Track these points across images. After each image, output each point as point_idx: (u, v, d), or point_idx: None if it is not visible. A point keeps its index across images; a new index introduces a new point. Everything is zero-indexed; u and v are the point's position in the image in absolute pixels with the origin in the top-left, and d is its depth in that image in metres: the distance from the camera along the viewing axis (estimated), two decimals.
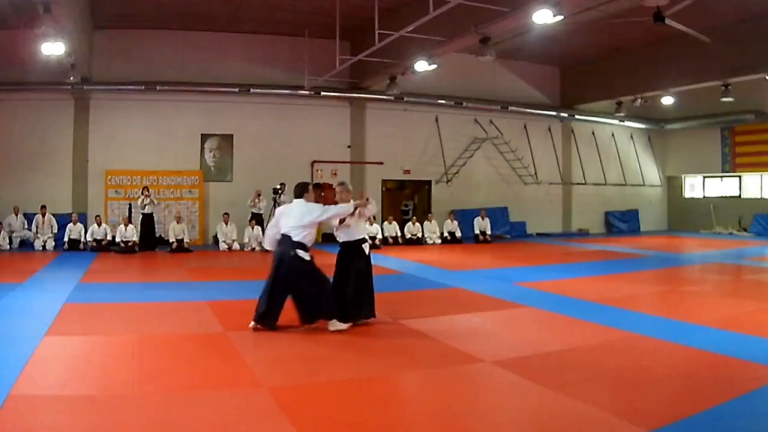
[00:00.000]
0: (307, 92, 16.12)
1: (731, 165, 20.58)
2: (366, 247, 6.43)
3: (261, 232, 14.86)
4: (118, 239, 13.88)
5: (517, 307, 7.39)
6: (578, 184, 20.83)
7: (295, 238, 6.04)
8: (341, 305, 6.15)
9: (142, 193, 14.33)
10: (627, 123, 20.90)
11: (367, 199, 6.41)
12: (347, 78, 16.49)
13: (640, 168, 22.39)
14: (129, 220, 14.28)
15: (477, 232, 17.16)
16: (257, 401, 3.98)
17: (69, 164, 15.19)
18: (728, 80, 15.12)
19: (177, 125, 15.94)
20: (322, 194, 17.23)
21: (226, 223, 14.72)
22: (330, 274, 6.41)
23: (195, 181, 15.94)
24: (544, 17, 9.67)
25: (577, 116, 20.33)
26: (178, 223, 14.34)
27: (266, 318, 5.98)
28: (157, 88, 15.30)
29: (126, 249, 13.58)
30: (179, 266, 11.49)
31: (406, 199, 18.98)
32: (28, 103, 14.73)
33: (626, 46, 16.99)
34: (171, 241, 14.10)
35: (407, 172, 18.22)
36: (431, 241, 16.53)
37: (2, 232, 13.66)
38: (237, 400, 3.98)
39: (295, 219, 6.13)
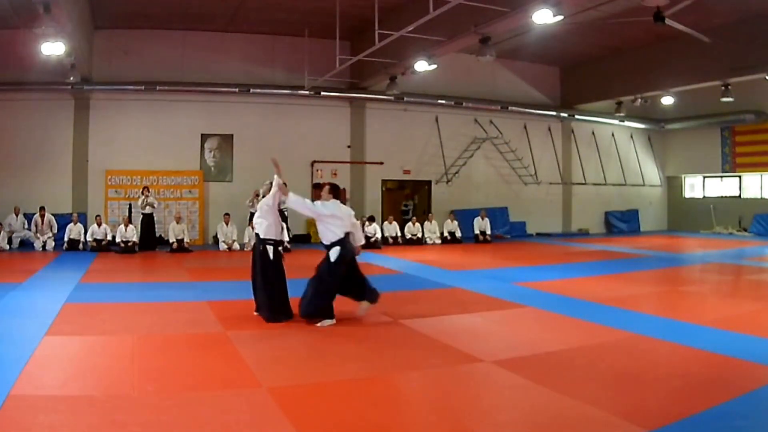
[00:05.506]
0: (307, 92, 16.12)
1: (731, 165, 20.59)
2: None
3: None
4: (118, 239, 13.88)
5: (517, 307, 7.39)
6: (578, 184, 20.84)
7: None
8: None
9: (143, 193, 14.34)
10: (627, 123, 20.91)
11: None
12: (347, 78, 16.50)
13: (640, 168, 22.40)
14: (129, 220, 14.27)
15: (477, 232, 17.15)
16: (257, 401, 3.98)
17: (69, 164, 15.19)
18: (728, 80, 15.13)
19: (177, 125, 15.94)
20: (322, 194, 17.26)
21: (227, 224, 14.72)
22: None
23: (195, 181, 15.95)
24: (544, 17, 9.67)
25: (577, 116, 20.33)
26: (178, 223, 14.34)
27: None
28: (157, 88, 15.31)
29: (126, 249, 13.58)
30: (179, 266, 11.49)
31: (406, 199, 18.99)
32: (28, 103, 14.73)
33: (626, 46, 17.00)
34: (171, 241, 14.10)
35: (407, 172, 18.22)
36: (431, 241, 16.52)
37: (2, 232, 13.65)
38: (237, 400, 3.98)
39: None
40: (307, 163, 17.03)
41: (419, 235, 16.51)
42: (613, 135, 21.62)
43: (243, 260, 12.85)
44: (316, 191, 16.98)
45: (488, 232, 17.31)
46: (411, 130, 18.12)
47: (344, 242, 6.29)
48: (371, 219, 15.51)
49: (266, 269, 6.43)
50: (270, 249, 6.45)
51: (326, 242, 6.34)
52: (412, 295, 8.46)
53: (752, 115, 18.76)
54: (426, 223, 16.86)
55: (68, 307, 6.98)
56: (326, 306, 6.25)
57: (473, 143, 18.75)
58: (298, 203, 6.37)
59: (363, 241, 6.56)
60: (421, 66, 13.11)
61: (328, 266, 6.26)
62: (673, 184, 23.14)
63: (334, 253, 6.25)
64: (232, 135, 16.44)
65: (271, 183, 6.74)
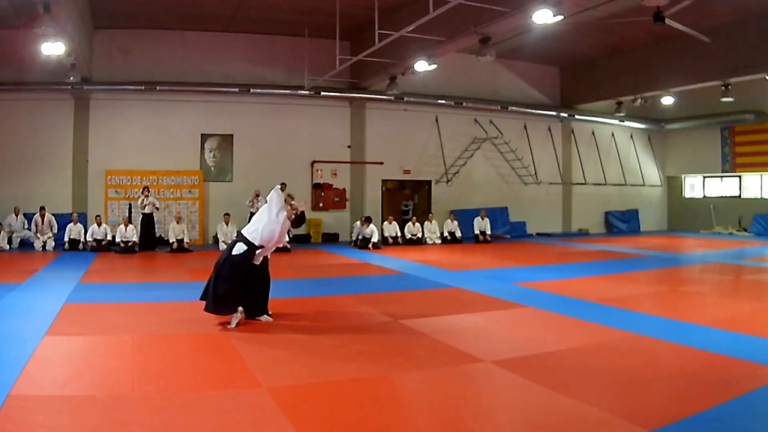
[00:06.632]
0: (307, 92, 16.12)
1: (731, 165, 20.59)
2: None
3: None
4: (118, 239, 13.88)
5: (517, 307, 7.38)
6: (578, 184, 20.84)
7: None
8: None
9: (143, 193, 14.34)
10: (627, 123, 20.91)
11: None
12: (347, 78, 16.49)
13: (640, 168, 22.40)
14: (129, 220, 14.27)
15: (477, 232, 17.15)
16: (257, 401, 3.98)
17: (69, 164, 15.19)
18: (728, 80, 15.12)
19: (177, 125, 15.94)
20: (322, 194, 17.30)
21: (227, 224, 14.71)
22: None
23: (195, 181, 15.95)
24: (544, 17, 9.68)
25: (577, 116, 20.33)
26: (178, 223, 14.34)
27: None
28: (157, 88, 15.30)
29: (126, 249, 13.57)
30: (179, 266, 11.50)
31: (406, 199, 18.99)
32: (28, 103, 14.73)
33: (626, 46, 17.00)
34: (171, 241, 14.10)
35: (407, 172, 18.22)
36: (431, 241, 16.52)
37: (2, 232, 13.65)
38: (237, 400, 3.98)
39: None
40: (307, 163, 17.03)
41: (419, 235, 16.50)
42: (613, 135, 21.63)
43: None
44: (317, 191, 17.02)
45: (488, 232, 17.31)
46: (411, 130, 18.12)
47: (253, 250, 6.19)
48: (368, 220, 15.40)
49: (226, 261, 6.22)
50: (241, 246, 6.23)
51: (247, 234, 6.23)
52: (412, 295, 8.45)
53: (752, 115, 18.75)
54: (426, 223, 16.85)
55: (68, 307, 6.98)
56: (232, 297, 6.13)
57: (473, 143, 18.75)
58: (275, 198, 6.28)
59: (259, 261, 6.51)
60: (421, 66, 13.11)
61: (230, 258, 6.14)
62: (673, 184, 23.14)
63: (239, 248, 6.18)
64: (232, 135, 16.44)
65: (290, 195, 6.77)
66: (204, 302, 6.23)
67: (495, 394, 4.41)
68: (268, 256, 6.73)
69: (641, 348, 5.45)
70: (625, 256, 13.62)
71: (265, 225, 6.25)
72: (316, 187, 17.06)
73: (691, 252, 15.43)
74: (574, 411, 3.87)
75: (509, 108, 18.83)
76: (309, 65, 15.08)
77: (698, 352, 5.25)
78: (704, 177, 22.15)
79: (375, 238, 15.16)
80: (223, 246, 14.44)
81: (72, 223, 14.01)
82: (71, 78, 13.24)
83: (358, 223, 15.69)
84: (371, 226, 15.23)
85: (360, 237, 15.12)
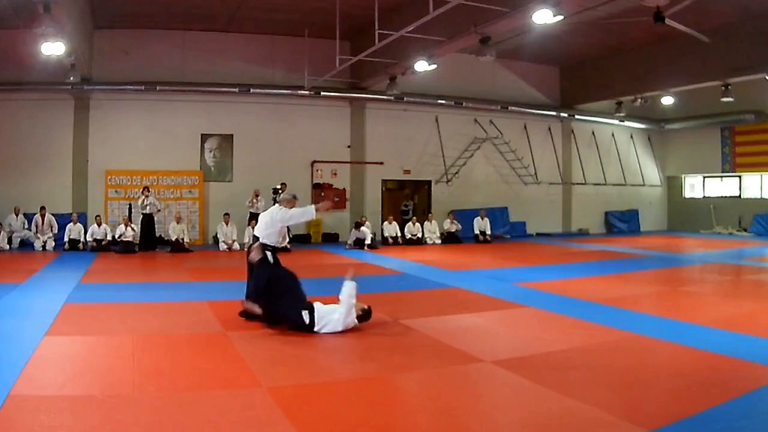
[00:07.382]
0: (307, 92, 16.13)
1: (731, 165, 20.60)
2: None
3: None
4: (118, 239, 13.87)
5: (517, 307, 7.38)
6: (578, 184, 20.84)
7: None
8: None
9: (143, 193, 14.34)
10: (627, 123, 20.92)
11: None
12: (347, 78, 16.50)
13: (640, 168, 22.40)
14: (129, 220, 14.28)
15: (477, 232, 17.15)
16: (257, 401, 3.98)
17: (69, 164, 15.19)
18: (728, 80, 15.13)
19: (177, 125, 15.94)
20: (322, 194, 17.28)
21: (227, 224, 14.72)
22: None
23: (195, 181, 15.95)
24: (544, 17, 9.68)
25: (577, 116, 20.34)
26: (178, 223, 14.35)
27: None
28: (157, 88, 15.31)
29: (126, 249, 13.57)
30: (179, 266, 11.49)
31: (406, 199, 18.99)
32: (28, 103, 14.73)
33: (626, 46, 17.00)
34: (173, 239, 14.10)
35: (407, 172, 18.23)
36: (431, 241, 16.52)
37: (2, 232, 13.65)
38: (237, 400, 3.98)
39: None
40: (307, 163, 17.03)
41: (419, 235, 16.50)
42: (613, 135, 21.63)
43: (243, 260, 12.81)
44: (317, 191, 17.01)
45: (488, 232, 17.32)
46: (411, 130, 18.12)
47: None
48: (357, 225, 15.25)
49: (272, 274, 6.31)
50: (269, 254, 6.38)
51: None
52: (412, 295, 8.46)
53: (752, 115, 18.76)
54: (426, 223, 16.85)
55: (68, 307, 6.98)
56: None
57: (473, 143, 18.75)
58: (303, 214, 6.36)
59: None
60: (421, 66, 13.11)
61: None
62: (673, 184, 23.14)
63: (306, 318, 5.92)
64: (232, 135, 16.44)
65: (294, 196, 6.78)
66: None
67: (495, 394, 4.41)
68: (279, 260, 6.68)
69: (641, 348, 5.45)
70: (625, 256, 13.61)
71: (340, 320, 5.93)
72: (316, 187, 17.07)
73: (691, 252, 15.42)
74: (574, 411, 3.87)
75: (509, 108, 18.83)
76: (309, 65, 15.08)
77: (698, 352, 5.25)
78: (704, 177, 22.15)
79: (368, 240, 15.09)
80: (223, 246, 14.49)
81: (72, 223, 14.02)
82: (71, 78, 13.25)
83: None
84: (363, 228, 15.15)
85: (354, 239, 15.09)
